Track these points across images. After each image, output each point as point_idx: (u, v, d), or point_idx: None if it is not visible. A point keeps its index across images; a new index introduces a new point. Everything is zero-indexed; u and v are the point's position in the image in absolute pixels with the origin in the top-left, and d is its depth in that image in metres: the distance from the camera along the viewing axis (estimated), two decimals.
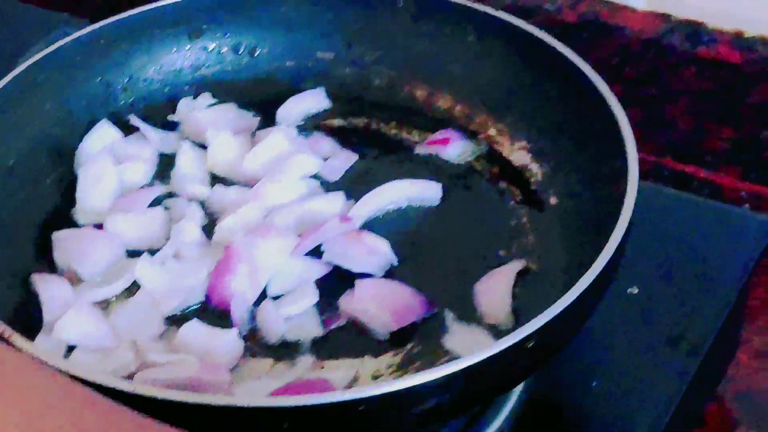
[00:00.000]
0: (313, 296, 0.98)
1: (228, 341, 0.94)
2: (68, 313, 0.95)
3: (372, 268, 1.00)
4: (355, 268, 1.00)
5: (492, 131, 1.15)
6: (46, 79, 1.11)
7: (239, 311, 0.96)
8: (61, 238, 1.03)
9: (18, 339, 0.86)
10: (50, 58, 1.11)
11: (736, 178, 1.39)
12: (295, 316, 0.97)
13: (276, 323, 0.96)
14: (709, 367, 1.07)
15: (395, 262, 1.01)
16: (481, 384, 0.85)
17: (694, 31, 1.40)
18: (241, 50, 1.20)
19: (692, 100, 1.43)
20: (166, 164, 1.13)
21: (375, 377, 0.94)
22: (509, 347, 0.84)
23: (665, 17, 1.44)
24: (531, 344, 0.85)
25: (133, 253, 1.03)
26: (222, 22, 1.20)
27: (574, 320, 0.89)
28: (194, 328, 0.95)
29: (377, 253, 1.01)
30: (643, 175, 0.99)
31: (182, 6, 1.18)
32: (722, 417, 1.13)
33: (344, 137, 1.16)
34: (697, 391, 1.06)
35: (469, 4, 1.15)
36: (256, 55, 1.21)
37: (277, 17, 1.20)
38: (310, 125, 1.17)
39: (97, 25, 1.14)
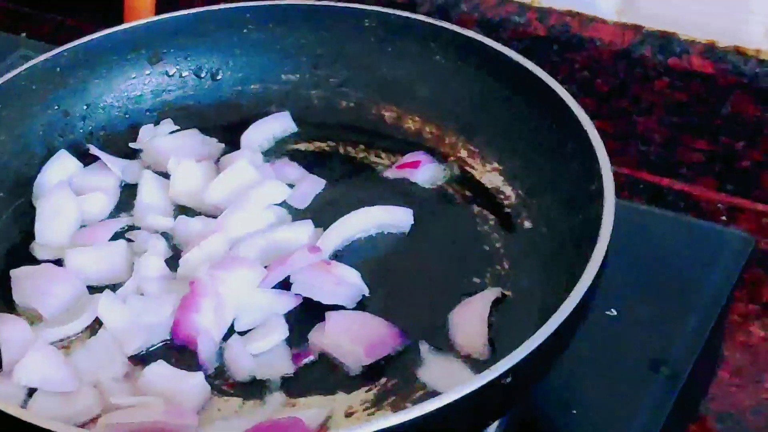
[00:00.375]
0: (282, 331, 0.95)
1: (195, 383, 0.91)
2: (27, 355, 0.92)
3: (342, 299, 0.97)
4: (325, 300, 0.97)
5: (463, 153, 1.12)
6: (1, 111, 1.07)
7: (206, 349, 0.93)
8: (19, 275, 0.99)
9: None
10: (4, 89, 1.08)
11: (712, 190, 1.37)
12: (264, 352, 0.94)
13: (244, 360, 0.93)
14: (691, 389, 1.04)
15: (366, 293, 0.97)
16: (458, 422, 0.82)
17: (666, 42, 1.38)
18: (203, 74, 1.17)
19: (666, 112, 1.40)
20: (128, 195, 1.09)
21: (348, 415, 0.91)
22: (486, 383, 0.81)
23: (636, 28, 1.41)
24: (508, 380, 0.82)
25: (96, 289, 1.00)
26: (183, 45, 1.16)
27: (551, 353, 0.86)
28: (159, 369, 0.91)
29: (347, 283, 0.98)
30: (618, 189, 0.96)
31: (141, 30, 1.15)
32: None
33: (311, 162, 1.13)
34: (680, 414, 1.04)
35: (434, 21, 1.13)
36: (218, 78, 1.17)
37: (240, 40, 1.17)
38: (276, 150, 1.14)
39: (52, 53, 1.11)
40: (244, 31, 1.17)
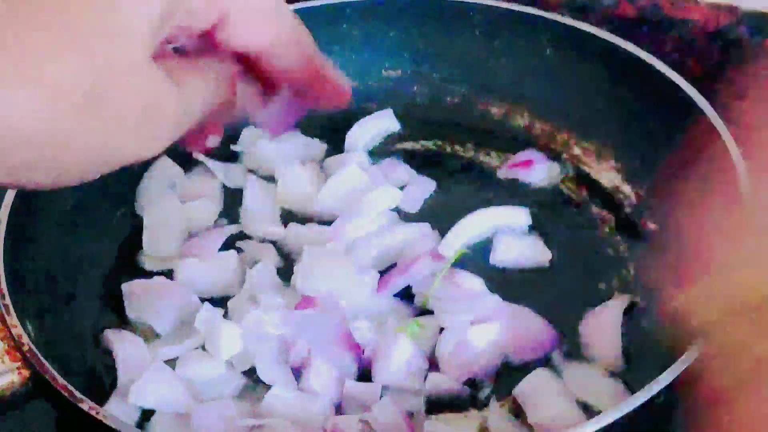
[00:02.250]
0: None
1: (319, 408, 0.87)
2: (144, 375, 0.89)
3: (467, 312, 0.92)
4: (450, 312, 0.93)
5: (576, 150, 1.08)
6: None
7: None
8: (131, 290, 0.96)
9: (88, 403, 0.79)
10: None
11: None
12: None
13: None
14: None
15: (496, 304, 0.93)
16: None
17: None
18: None
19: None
20: (232, 200, 1.06)
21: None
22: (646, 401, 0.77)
23: (731, 9, 1.36)
24: (661, 399, 0.78)
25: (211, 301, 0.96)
26: None
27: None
28: (281, 392, 0.88)
29: (472, 294, 0.94)
30: None
31: None
32: None
33: (418, 162, 1.09)
34: None
35: (545, 14, 1.08)
36: None
37: (338, 35, 1.13)
38: (381, 150, 1.10)
39: None
40: (344, 26, 1.13)
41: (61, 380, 0.81)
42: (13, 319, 0.85)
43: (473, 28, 1.11)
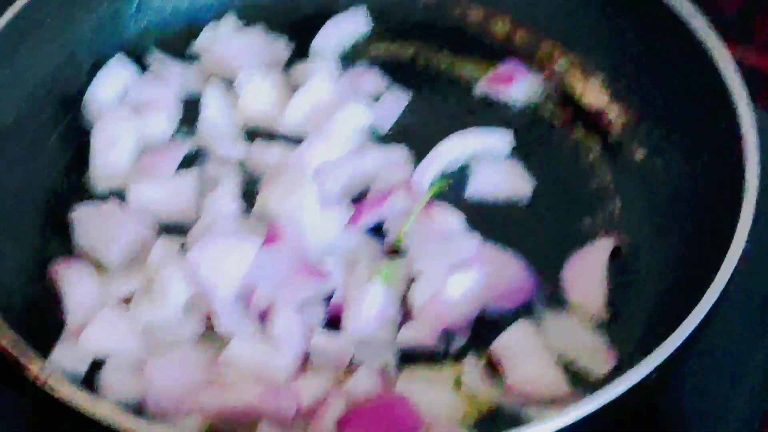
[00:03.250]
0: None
1: (284, 362, 0.81)
2: (96, 321, 0.83)
3: (445, 253, 0.86)
4: (427, 256, 0.86)
5: (561, 63, 1.00)
6: (46, 16, 0.95)
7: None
8: (80, 218, 0.89)
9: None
10: None
11: None
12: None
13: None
14: None
15: (474, 248, 0.87)
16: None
17: None
18: None
19: None
20: (190, 108, 0.98)
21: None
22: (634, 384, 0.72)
23: None
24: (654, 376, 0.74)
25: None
26: None
27: (696, 338, 0.77)
28: (244, 345, 0.82)
29: (451, 232, 0.88)
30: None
31: None
32: None
33: (391, 71, 1.01)
34: None
35: None
36: None
37: None
38: (351, 56, 1.02)
39: None
40: None
41: (7, 338, 0.75)
42: None
43: None
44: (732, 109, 0.86)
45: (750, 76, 1.15)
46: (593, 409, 0.71)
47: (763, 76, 1.18)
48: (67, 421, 0.76)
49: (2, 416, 0.87)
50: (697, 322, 0.75)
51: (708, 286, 0.77)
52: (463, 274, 0.85)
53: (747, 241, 0.79)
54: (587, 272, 0.87)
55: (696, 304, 0.77)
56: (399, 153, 0.93)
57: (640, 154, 0.94)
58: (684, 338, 0.74)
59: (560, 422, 0.71)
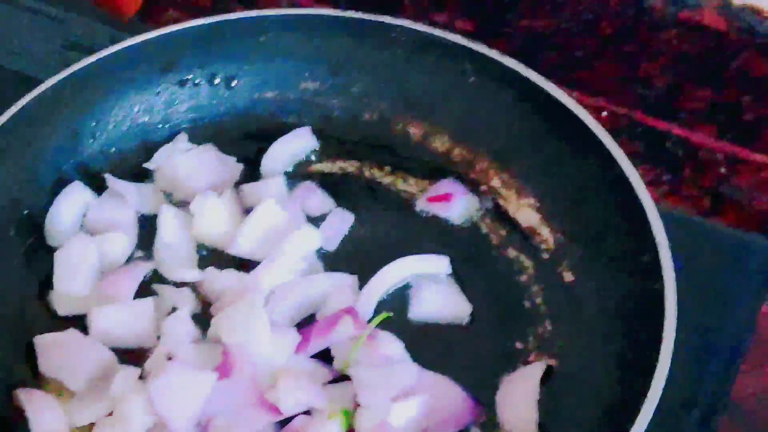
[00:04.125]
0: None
1: None
2: None
3: (388, 388, 0.93)
4: (369, 383, 0.93)
5: (495, 182, 1.07)
6: (11, 142, 1.01)
7: None
8: (44, 344, 0.95)
9: None
10: (13, 120, 1.00)
11: (711, 137, 1.34)
12: None
13: None
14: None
15: (413, 377, 0.93)
16: None
17: None
18: (217, 81, 1.10)
19: (672, 61, 1.37)
20: (148, 229, 1.03)
21: None
22: None
23: None
24: None
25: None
26: (196, 53, 1.09)
27: None
28: None
29: (392, 359, 0.94)
30: (616, 132, 0.96)
31: (152, 42, 1.07)
32: None
33: (335, 185, 1.07)
34: None
35: (471, 45, 1.06)
36: (233, 86, 1.10)
37: (255, 46, 1.10)
38: (298, 172, 1.08)
39: (62, 74, 1.02)
40: (261, 39, 1.09)
41: None
42: None
43: (395, 46, 1.08)
44: (651, 239, 0.93)
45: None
46: None
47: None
48: None
49: None
50: None
51: (638, 412, 0.84)
52: (404, 403, 0.91)
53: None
54: (519, 396, 0.93)
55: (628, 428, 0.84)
56: (345, 279, 0.98)
57: (569, 276, 1.01)
58: None
59: None
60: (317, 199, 1.05)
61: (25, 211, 1.02)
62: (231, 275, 0.99)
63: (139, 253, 1.03)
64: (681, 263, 0.95)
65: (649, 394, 0.85)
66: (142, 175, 1.07)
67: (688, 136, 1.34)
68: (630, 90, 1.37)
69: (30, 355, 0.96)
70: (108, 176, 1.04)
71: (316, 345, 0.94)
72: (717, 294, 1.06)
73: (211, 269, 0.99)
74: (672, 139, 1.34)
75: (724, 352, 1.04)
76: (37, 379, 0.95)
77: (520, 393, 0.94)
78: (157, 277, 1.01)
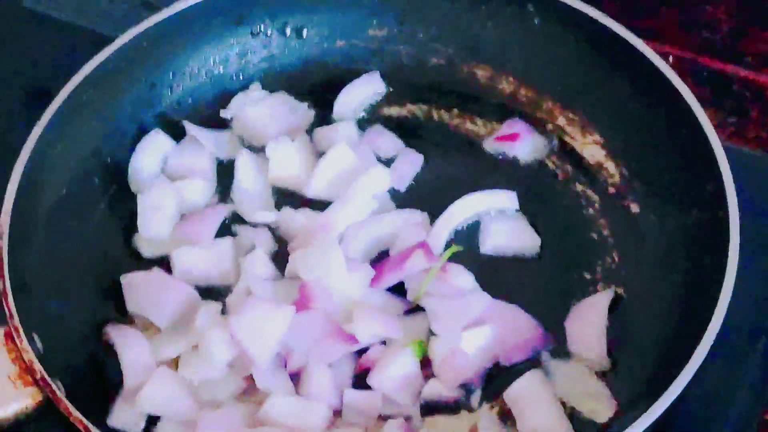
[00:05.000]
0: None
1: (318, 415, 0.91)
2: (151, 382, 0.92)
3: (460, 317, 0.96)
4: (443, 313, 0.96)
5: (561, 121, 1.09)
6: (92, 96, 1.05)
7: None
8: (130, 283, 0.99)
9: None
10: (94, 75, 1.04)
11: None
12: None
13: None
14: None
15: (486, 305, 0.96)
16: None
17: None
18: (288, 32, 1.14)
19: (736, 4, 1.38)
20: (224, 174, 1.07)
21: None
22: None
23: None
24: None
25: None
26: (266, 4, 1.12)
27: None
28: (281, 401, 0.92)
29: (464, 291, 0.97)
30: (681, 74, 0.98)
31: None
32: None
33: (405, 130, 1.10)
34: None
35: None
36: (303, 36, 1.14)
37: None
38: (368, 117, 1.11)
39: (137, 29, 1.06)
40: None
41: (74, 412, 0.84)
42: (23, 343, 0.88)
43: None
44: (716, 170, 0.96)
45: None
46: None
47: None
48: None
49: None
50: (693, 372, 0.84)
51: (701, 336, 0.86)
52: (476, 331, 0.94)
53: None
54: (588, 323, 0.96)
55: (692, 352, 0.86)
56: (416, 216, 1.02)
57: (635, 208, 1.03)
58: (681, 389, 0.83)
59: None
60: (387, 141, 1.08)
61: (108, 160, 1.06)
62: (306, 215, 1.02)
63: (218, 198, 1.06)
64: (746, 196, 0.97)
65: (713, 319, 0.88)
66: (218, 124, 1.10)
67: (755, 78, 1.35)
68: (695, 34, 1.38)
69: (117, 295, 0.99)
70: (186, 123, 1.07)
71: (390, 278, 0.98)
72: None
73: (287, 209, 1.03)
74: (738, 82, 1.34)
75: None
76: (124, 318, 0.98)
77: (588, 320, 0.96)
78: (235, 219, 1.04)
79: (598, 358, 0.94)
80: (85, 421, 0.85)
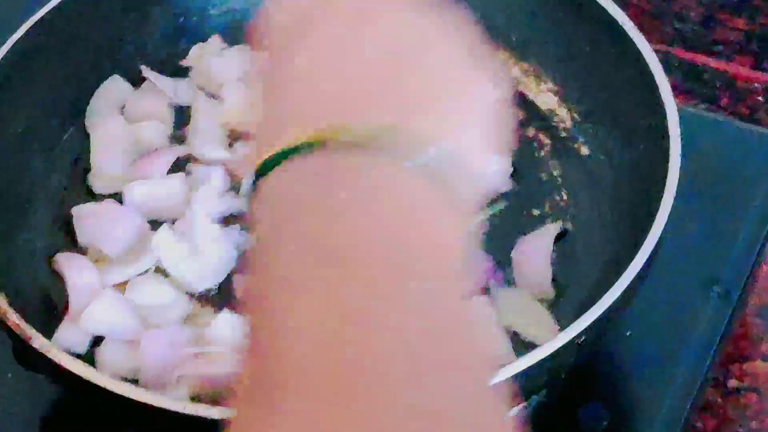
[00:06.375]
0: None
1: None
2: (95, 302, 0.93)
3: None
4: None
5: (516, 71, 1.11)
6: (51, 37, 1.05)
7: None
8: (81, 214, 1.00)
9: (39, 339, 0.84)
10: (53, 15, 1.05)
11: (748, 69, 1.36)
12: None
13: None
14: (740, 300, 1.04)
15: None
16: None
17: None
18: None
19: None
20: (181, 119, 1.08)
21: None
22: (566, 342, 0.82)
23: None
24: (582, 339, 0.83)
25: (158, 225, 1.00)
26: None
27: (622, 308, 0.87)
28: (228, 318, 0.92)
29: None
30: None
31: None
32: (745, 334, 1.12)
33: None
34: (730, 328, 1.04)
35: None
36: None
37: None
38: None
39: None
40: None
41: (13, 317, 0.85)
42: None
43: None
44: (661, 108, 0.96)
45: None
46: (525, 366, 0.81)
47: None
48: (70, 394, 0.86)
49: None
50: (623, 287, 0.85)
51: (633, 258, 0.87)
52: None
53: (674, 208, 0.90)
54: (534, 254, 0.97)
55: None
56: None
57: (585, 150, 1.04)
58: (614, 299, 0.84)
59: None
60: None
61: (66, 103, 1.07)
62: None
63: (173, 142, 1.07)
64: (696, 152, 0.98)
65: (648, 237, 0.88)
66: (177, 74, 1.11)
67: (726, 69, 1.36)
68: (666, 24, 1.39)
69: (69, 230, 1.00)
70: (144, 68, 1.09)
71: None
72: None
73: (239, 145, 1.04)
74: (709, 72, 1.36)
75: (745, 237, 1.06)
76: (73, 245, 0.99)
77: (535, 249, 0.97)
78: (190, 160, 1.05)
79: (544, 285, 0.95)
80: (29, 331, 0.85)
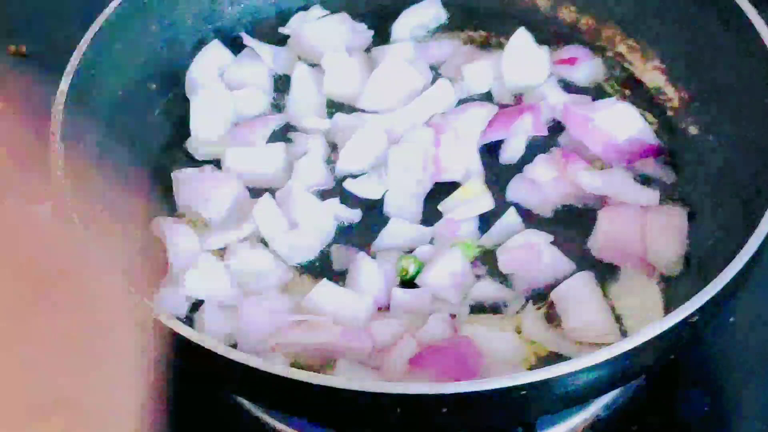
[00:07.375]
0: None
1: (364, 306, 0.90)
2: (196, 266, 0.91)
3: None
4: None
5: (621, 48, 1.08)
6: (152, 3, 1.04)
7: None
8: (181, 179, 0.99)
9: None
10: None
11: None
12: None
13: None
14: None
15: None
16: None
17: None
18: None
19: None
20: (280, 88, 1.07)
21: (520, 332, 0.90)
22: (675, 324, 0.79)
23: None
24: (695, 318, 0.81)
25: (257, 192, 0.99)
26: None
27: (740, 283, 0.84)
28: (327, 290, 0.91)
29: None
30: None
31: None
32: None
33: None
34: None
35: None
36: None
37: None
38: (426, 40, 1.11)
39: None
40: None
41: None
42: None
43: None
44: None
45: None
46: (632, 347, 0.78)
47: None
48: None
49: None
50: (738, 268, 0.82)
51: (747, 240, 0.84)
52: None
53: None
54: (665, 235, 0.94)
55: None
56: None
57: (693, 130, 1.02)
58: (725, 283, 0.81)
59: (599, 358, 0.77)
60: (443, 47, 1.08)
61: (166, 67, 1.06)
62: (358, 117, 1.02)
63: (272, 111, 1.06)
64: None
65: (762, 223, 0.85)
66: (277, 42, 1.10)
67: None
68: None
69: (167, 195, 0.99)
70: (245, 35, 1.08)
71: (495, 134, 1.00)
72: None
73: (339, 115, 1.03)
74: None
75: None
76: (170, 209, 0.99)
77: (667, 230, 0.95)
78: (290, 129, 1.04)
79: (675, 262, 0.93)
80: None
